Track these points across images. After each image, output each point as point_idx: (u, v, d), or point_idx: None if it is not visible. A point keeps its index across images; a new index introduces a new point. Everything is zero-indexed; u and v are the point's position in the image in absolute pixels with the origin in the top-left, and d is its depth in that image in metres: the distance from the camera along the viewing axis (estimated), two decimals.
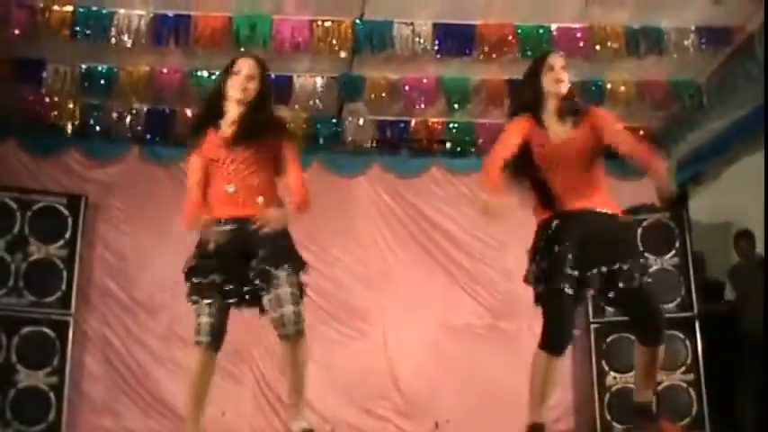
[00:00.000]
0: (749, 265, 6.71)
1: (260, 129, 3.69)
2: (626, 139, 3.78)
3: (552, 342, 3.63)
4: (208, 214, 3.68)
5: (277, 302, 3.57)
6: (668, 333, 6.70)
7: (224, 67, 3.83)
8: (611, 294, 3.60)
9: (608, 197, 3.79)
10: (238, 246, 3.61)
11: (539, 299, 3.67)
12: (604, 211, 3.69)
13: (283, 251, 3.66)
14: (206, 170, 3.73)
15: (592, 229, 3.61)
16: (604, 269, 3.53)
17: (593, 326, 6.98)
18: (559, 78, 3.74)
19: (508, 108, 3.89)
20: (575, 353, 7.24)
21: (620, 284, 3.53)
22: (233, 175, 3.66)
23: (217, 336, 3.64)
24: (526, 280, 3.76)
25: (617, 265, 3.53)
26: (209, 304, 3.61)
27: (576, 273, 3.54)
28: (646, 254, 6.91)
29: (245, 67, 3.74)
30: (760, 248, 6.61)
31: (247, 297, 3.65)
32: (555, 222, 3.65)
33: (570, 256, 3.54)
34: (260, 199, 3.67)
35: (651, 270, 6.82)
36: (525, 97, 3.83)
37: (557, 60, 3.82)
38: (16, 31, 5.55)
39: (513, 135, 3.76)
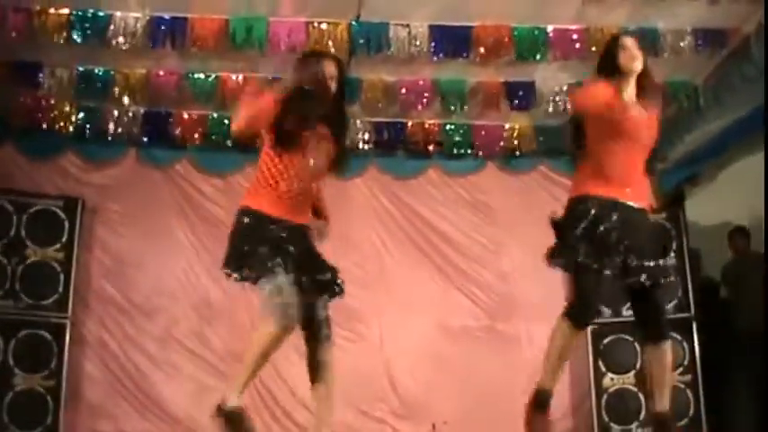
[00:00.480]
0: (744, 261, 6.70)
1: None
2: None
3: (580, 315, 3.69)
4: None
5: None
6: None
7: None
8: (636, 286, 3.69)
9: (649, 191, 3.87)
10: None
11: (576, 270, 3.68)
12: (642, 206, 3.76)
13: None
14: None
15: (634, 220, 3.69)
16: (649, 263, 3.64)
17: (590, 327, 6.98)
18: (635, 55, 3.75)
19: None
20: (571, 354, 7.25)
21: (648, 281, 3.64)
22: None
23: None
24: (553, 255, 3.77)
25: (660, 262, 3.66)
26: None
27: (619, 259, 3.61)
28: None
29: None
30: (755, 246, 6.62)
31: None
32: (596, 202, 3.68)
33: (616, 240, 3.60)
34: None
35: None
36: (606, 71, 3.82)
37: (628, 40, 3.84)
38: (13, 34, 5.54)
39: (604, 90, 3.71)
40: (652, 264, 3.65)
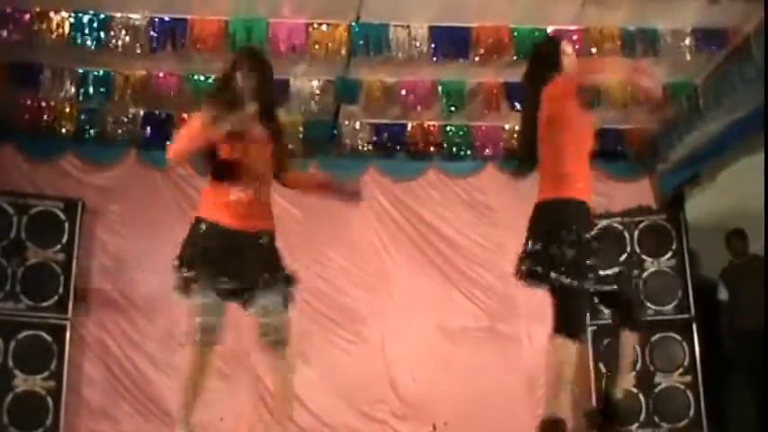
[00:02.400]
0: (743, 263, 6.70)
1: None
2: None
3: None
4: None
5: None
6: (666, 335, 6.79)
7: None
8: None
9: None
10: None
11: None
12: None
13: None
14: None
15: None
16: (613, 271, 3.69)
17: (590, 328, 6.98)
18: (576, 61, 3.86)
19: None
20: None
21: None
22: None
23: None
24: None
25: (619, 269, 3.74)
26: None
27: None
28: (643, 256, 6.97)
29: None
30: (753, 248, 6.62)
31: None
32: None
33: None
34: None
35: (648, 272, 6.94)
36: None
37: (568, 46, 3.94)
38: (14, 36, 5.56)
39: None
40: (617, 270, 3.69)
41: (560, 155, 3.69)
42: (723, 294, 6.71)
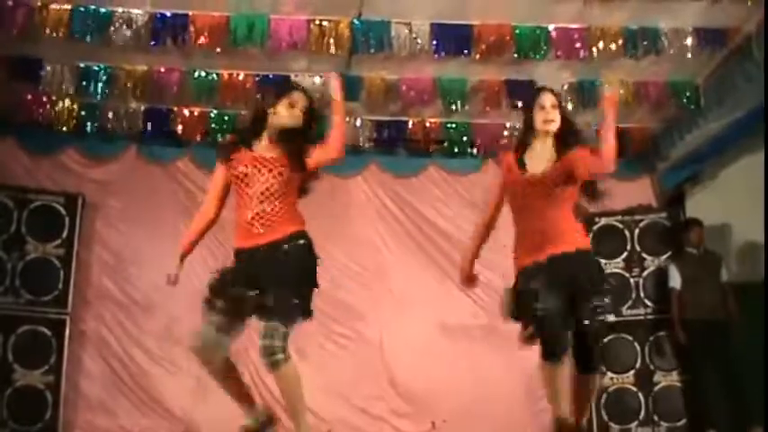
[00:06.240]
0: (699, 255, 6.68)
1: None
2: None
3: (553, 353, 3.83)
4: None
5: None
6: (665, 334, 6.78)
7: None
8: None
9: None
10: None
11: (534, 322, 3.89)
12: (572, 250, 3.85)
13: None
14: None
15: (567, 263, 3.79)
16: (591, 305, 3.79)
17: None
18: (551, 119, 3.91)
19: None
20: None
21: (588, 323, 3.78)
22: None
23: None
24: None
25: (600, 302, 3.80)
26: None
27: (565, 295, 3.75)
28: (643, 254, 6.97)
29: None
30: (753, 248, 6.63)
31: None
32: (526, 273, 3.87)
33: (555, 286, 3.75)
34: None
35: (648, 270, 6.93)
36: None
37: (547, 99, 3.96)
38: (14, 30, 5.55)
39: None
40: (594, 304, 3.75)
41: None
42: (675, 281, 6.64)
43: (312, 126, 3.94)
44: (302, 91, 3.97)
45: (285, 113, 3.82)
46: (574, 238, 3.84)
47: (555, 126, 3.89)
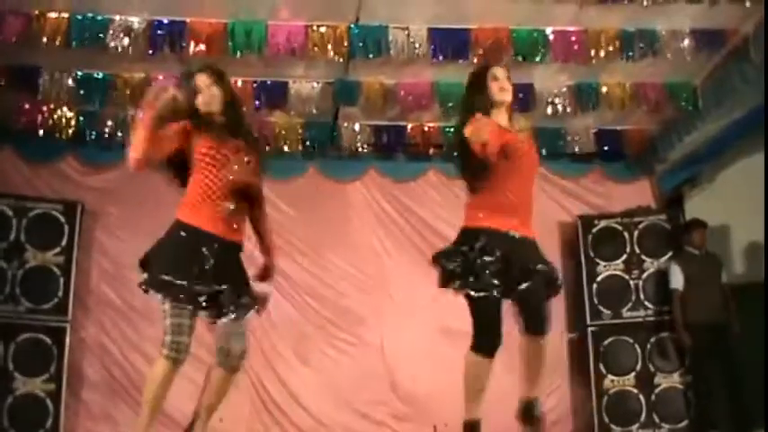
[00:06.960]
0: (701, 256, 6.68)
1: None
2: None
3: (487, 345, 3.95)
4: None
5: None
6: (666, 336, 6.79)
7: None
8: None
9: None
10: None
11: (475, 301, 3.80)
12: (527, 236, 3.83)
13: None
14: None
15: (520, 250, 3.76)
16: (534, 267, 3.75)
17: (590, 329, 6.99)
18: (506, 88, 3.93)
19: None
20: (572, 356, 7.25)
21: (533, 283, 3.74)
22: None
23: None
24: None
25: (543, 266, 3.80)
26: None
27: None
28: (642, 256, 6.98)
29: None
30: (753, 248, 6.63)
31: None
32: (487, 234, 3.74)
33: (501, 270, 3.69)
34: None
35: (648, 272, 6.93)
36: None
37: (500, 71, 3.98)
38: (12, 38, 5.54)
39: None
40: (538, 267, 3.74)
41: None
42: (678, 282, 6.63)
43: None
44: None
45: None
46: (531, 224, 3.86)
47: (509, 96, 3.93)
